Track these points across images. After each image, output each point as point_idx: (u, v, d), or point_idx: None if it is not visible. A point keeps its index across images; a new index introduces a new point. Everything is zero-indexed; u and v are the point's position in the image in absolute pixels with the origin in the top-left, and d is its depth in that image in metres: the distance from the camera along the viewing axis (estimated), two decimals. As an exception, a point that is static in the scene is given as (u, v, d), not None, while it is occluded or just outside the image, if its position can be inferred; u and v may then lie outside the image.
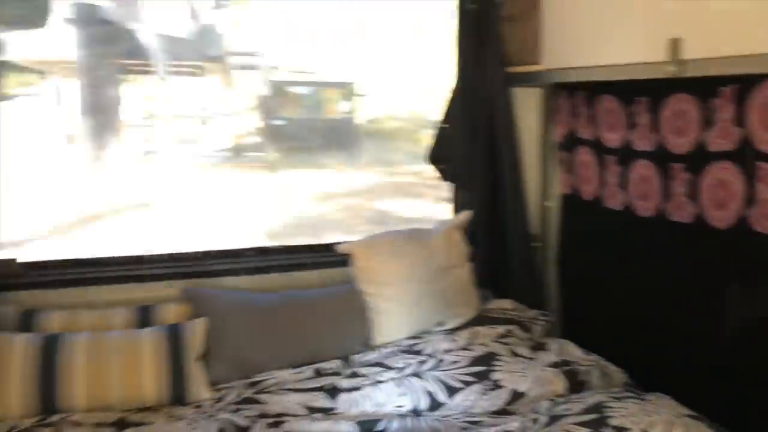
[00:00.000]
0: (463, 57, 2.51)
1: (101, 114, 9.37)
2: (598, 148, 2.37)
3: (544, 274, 2.67)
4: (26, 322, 2.11)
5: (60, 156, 9.51)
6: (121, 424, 1.91)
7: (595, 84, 2.31)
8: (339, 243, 2.44)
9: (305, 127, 11.94)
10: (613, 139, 2.30)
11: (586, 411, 1.67)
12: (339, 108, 12.71)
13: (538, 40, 2.44)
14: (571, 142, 2.52)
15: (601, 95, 2.32)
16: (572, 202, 2.55)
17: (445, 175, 2.59)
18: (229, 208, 8.25)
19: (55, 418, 1.91)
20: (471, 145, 2.51)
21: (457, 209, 2.65)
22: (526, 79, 2.52)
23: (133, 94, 11.33)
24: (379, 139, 12.86)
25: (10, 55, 8.42)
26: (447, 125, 2.53)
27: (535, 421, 1.74)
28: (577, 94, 2.44)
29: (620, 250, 2.30)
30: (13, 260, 2.27)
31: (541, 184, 2.67)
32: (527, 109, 2.62)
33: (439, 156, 2.56)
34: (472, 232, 2.55)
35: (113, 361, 2.00)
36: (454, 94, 2.52)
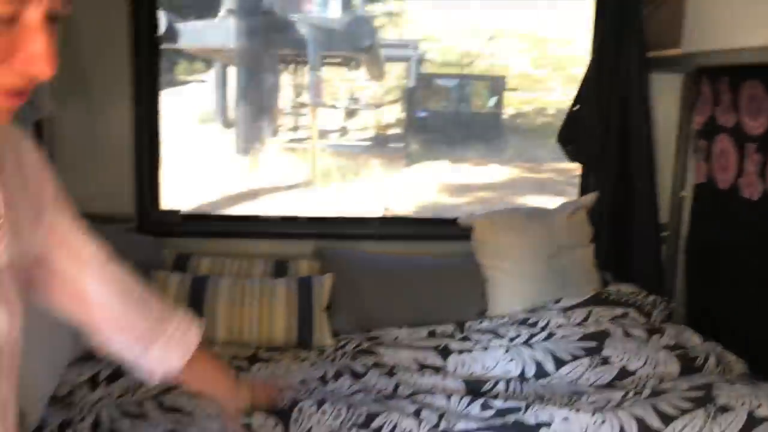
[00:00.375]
0: (600, 37, 2.50)
1: (259, 101, 10.07)
2: (739, 135, 2.28)
3: (671, 264, 2.60)
4: (181, 263, 2.42)
5: (220, 139, 10.35)
6: (253, 358, 2.14)
7: (739, 68, 2.22)
8: (461, 217, 2.54)
9: (449, 120, 12.06)
10: (755, 126, 2.20)
11: (693, 388, 1.65)
12: (485, 102, 12.70)
13: (680, 21, 2.38)
14: (710, 130, 2.44)
15: (745, 80, 2.23)
16: (706, 191, 2.47)
17: (573, 156, 2.60)
18: (367, 193, 8.59)
19: (199, 346, 2.18)
20: (602, 126, 2.50)
21: (584, 191, 2.65)
22: (666, 64, 2.47)
23: (287, 82, 12.04)
24: (525, 135, 12.70)
25: (182, 44, 9.29)
26: (579, 105, 2.54)
27: (638, 393, 1.75)
28: (719, 79, 2.36)
29: (754, 241, 2.20)
30: (177, 211, 2.59)
31: (676, 174, 2.61)
32: (666, 95, 2.57)
33: (568, 136, 2.58)
34: (598, 214, 2.54)
35: (251, 304, 2.24)
36: (587, 74, 2.53)
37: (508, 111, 13.04)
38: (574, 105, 2.56)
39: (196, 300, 2.23)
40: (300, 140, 11.16)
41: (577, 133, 2.54)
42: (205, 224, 2.68)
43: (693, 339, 2.11)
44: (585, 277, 2.44)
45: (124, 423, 1.72)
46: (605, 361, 2.00)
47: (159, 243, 2.44)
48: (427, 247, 2.61)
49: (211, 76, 11.60)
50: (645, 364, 1.97)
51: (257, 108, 10.09)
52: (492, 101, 12.68)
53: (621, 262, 2.56)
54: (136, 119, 2.43)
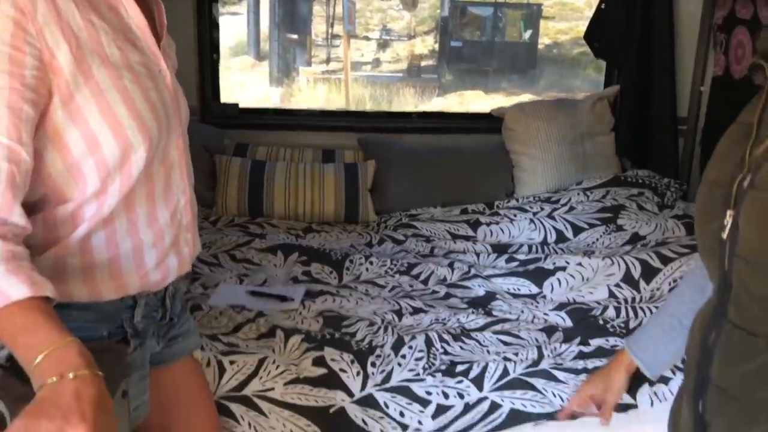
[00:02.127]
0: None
1: (293, 31, 10.15)
2: (755, 26, 2.43)
3: (687, 157, 2.79)
4: (240, 150, 2.70)
5: (253, 71, 10.50)
6: (307, 230, 2.44)
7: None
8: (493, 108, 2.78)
9: (483, 50, 12.00)
10: (769, 16, 2.36)
11: (693, 240, 1.89)
12: (520, 31, 12.56)
13: None
14: (729, 24, 2.59)
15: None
16: (723, 83, 2.64)
17: (598, 53, 2.78)
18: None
19: (259, 219, 2.49)
20: (626, 22, 2.67)
21: (607, 86, 2.85)
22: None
23: (320, 13, 12.05)
24: (560, 65, 12.60)
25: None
26: (605, 3, 2.70)
27: (644, 245, 2.00)
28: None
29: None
30: (236, 105, 2.87)
31: (696, 69, 2.77)
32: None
33: (594, 34, 2.76)
34: (620, 106, 2.74)
35: (303, 185, 2.53)
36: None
37: (543, 41, 12.87)
38: (601, 3, 2.73)
39: (255, 181, 2.52)
40: (333, 71, 11.27)
41: (603, 30, 2.72)
42: (260, 117, 2.97)
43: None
44: (605, 163, 2.67)
45: (204, 269, 2.04)
46: (619, 228, 2.25)
47: (220, 132, 2.73)
48: (461, 139, 2.85)
49: (244, 7, 11.68)
50: (654, 230, 2.21)
51: (290, 39, 10.19)
52: (527, 34, 12.53)
53: (640, 153, 2.77)
54: (199, 18, 2.69)
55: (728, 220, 0.84)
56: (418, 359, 1.53)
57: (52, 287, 0.84)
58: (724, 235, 0.84)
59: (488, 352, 1.58)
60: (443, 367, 1.52)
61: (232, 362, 1.47)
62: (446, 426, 1.44)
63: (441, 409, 1.45)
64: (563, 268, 1.94)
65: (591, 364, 1.53)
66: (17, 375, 0.86)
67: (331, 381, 1.47)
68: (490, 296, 1.90)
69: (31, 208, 0.93)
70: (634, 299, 1.79)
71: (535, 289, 1.92)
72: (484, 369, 1.50)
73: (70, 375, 0.76)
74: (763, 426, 0.82)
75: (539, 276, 1.94)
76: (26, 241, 0.89)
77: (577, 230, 2.27)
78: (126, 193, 0.97)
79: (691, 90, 2.78)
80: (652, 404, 1.44)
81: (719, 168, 0.91)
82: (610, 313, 1.75)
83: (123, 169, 0.95)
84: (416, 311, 1.78)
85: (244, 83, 9.82)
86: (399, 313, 1.77)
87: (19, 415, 0.74)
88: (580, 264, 1.94)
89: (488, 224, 2.40)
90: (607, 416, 1.41)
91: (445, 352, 1.57)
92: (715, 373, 0.86)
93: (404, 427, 1.44)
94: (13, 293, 0.80)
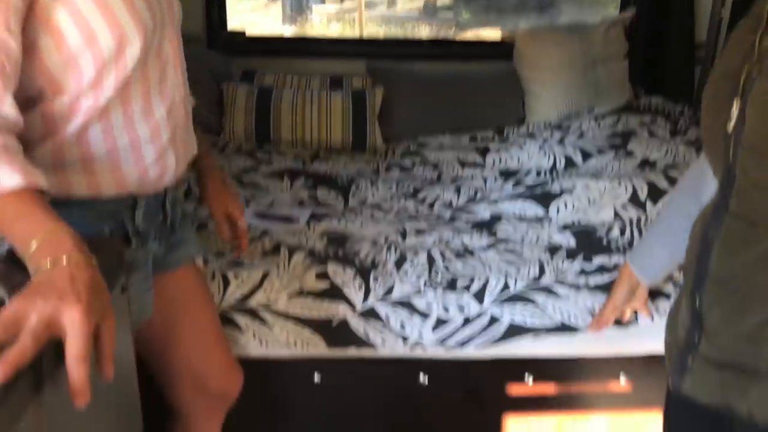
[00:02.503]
0: None
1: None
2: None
3: (703, 84, 2.73)
4: (247, 77, 2.68)
5: (267, 9, 10.30)
6: (314, 156, 2.43)
7: None
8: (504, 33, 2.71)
9: (500, -14, 11.69)
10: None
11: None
12: (538, -33, 12.18)
13: None
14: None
15: None
16: (744, 8, 2.55)
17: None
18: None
19: (267, 146, 2.49)
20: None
21: (623, 9, 2.77)
22: None
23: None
24: (580, 4, 12.27)
25: None
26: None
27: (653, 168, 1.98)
28: None
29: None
30: (242, 32, 2.83)
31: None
32: None
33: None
34: (635, 30, 2.67)
35: (311, 111, 2.51)
36: None
37: (563, -23, 12.49)
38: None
39: (262, 107, 2.51)
40: (348, 10, 11.04)
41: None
42: (267, 44, 2.93)
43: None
44: (618, 89, 2.62)
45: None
46: (629, 153, 2.22)
47: (228, 59, 2.70)
48: (472, 67, 2.79)
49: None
50: (665, 155, 2.18)
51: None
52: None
53: (654, 80, 2.71)
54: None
55: (735, 111, 0.83)
56: (420, 275, 1.55)
57: (45, 180, 0.85)
58: (730, 127, 0.83)
59: (490, 269, 1.59)
60: (444, 283, 1.53)
61: (236, 276, 1.50)
62: (446, 338, 1.47)
63: (441, 322, 1.47)
64: (570, 191, 1.93)
65: (593, 280, 1.54)
66: (17, 265, 0.88)
67: (334, 294, 1.49)
68: (496, 219, 1.89)
69: (28, 102, 0.93)
70: (639, 220, 1.77)
71: (541, 212, 1.91)
72: (485, 284, 1.52)
73: (64, 260, 0.77)
74: (758, 315, 0.82)
75: (545, 199, 1.93)
76: (24, 136, 0.90)
77: (586, 156, 2.25)
78: (121, 86, 0.97)
79: (711, 14, 2.69)
80: (652, 319, 1.45)
81: (727, 61, 0.89)
82: (615, 233, 1.74)
83: (119, 62, 0.95)
84: (420, 232, 1.79)
85: (256, 22, 9.67)
86: (403, 234, 1.77)
87: (16, 296, 0.75)
88: (587, 186, 1.92)
89: (497, 150, 2.37)
90: (594, 327, 1.43)
91: (447, 269, 1.58)
92: (714, 265, 0.86)
93: (405, 339, 1.46)
94: (6, 182, 0.81)
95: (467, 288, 1.51)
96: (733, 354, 0.85)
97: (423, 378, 1.52)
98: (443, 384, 1.53)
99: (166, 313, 1.22)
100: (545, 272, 1.57)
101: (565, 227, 1.81)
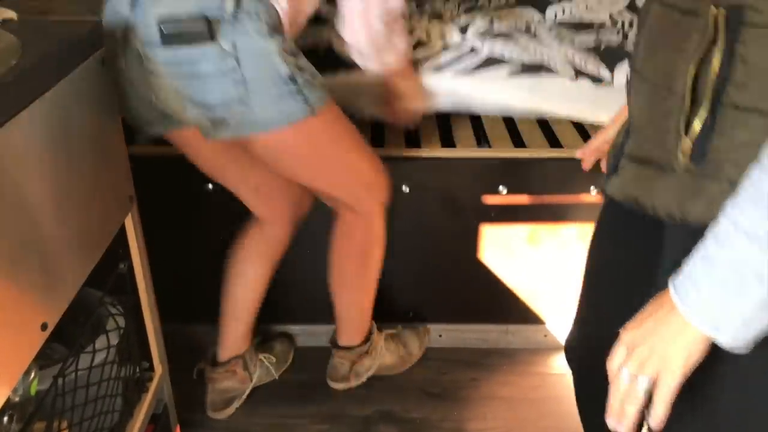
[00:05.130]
0: None
1: None
2: None
3: None
4: None
5: None
6: None
7: None
8: None
9: None
10: None
11: None
12: None
13: None
14: None
15: None
16: None
17: None
18: None
19: None
20: None
21: None
22: None
23: None
24: None
25: None
26: None
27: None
28: None
29: None
30: None
31: None
32: None
33: None
34: None
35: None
36: None
37: None
38: None
39: None
40: None
41: None
42: None
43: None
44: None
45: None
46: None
47: None
48: None
49: None
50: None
51: None
52: None
53: None
54: None
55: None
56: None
57: None
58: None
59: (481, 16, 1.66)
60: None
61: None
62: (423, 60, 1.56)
63: (420, 44, 1.58)
64: None
65: (578, 39, 1.62)
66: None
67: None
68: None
69: None
70: (632, 23, 1.75)
71: (537, 17, 1.87)
72: (471, 22, 1.60)
73: None
74: (667, 103, 0.76)
75: (542, 4, 1.89)
76: None
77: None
78: None
79: None
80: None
81: None
82: (607, 33, 1.74)
83: None
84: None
85: None
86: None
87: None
88: None
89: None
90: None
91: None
92: (640, 58, 0.83)
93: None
94: None
95: (452, 20, 1.59)
96: (649, 148, 0.81)
97: (405, 188, 1.61)
98: (423, 194, 1.63)
99: None
100: (531, 26, 1.63)
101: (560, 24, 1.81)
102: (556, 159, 1.58)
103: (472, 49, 1.57)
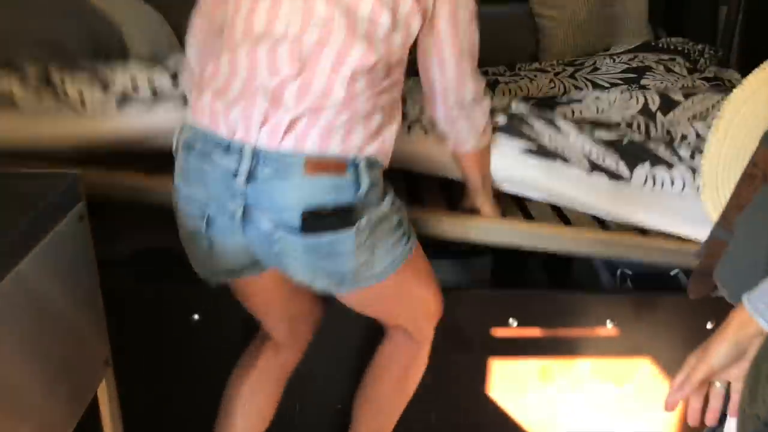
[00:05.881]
0: None
1: None
2: None
3: (729, 26, 2.56)
4: None
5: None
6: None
7: None
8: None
9: None
10: None
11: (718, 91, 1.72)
12: None
13: None
14: None
15: None
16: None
17: None
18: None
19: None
20: None
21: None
22: None
23: None
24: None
25: None
26: None
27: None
28: None
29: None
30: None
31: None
32: None
33: None
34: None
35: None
36: None
37: None
38: None
39: None
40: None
41: None
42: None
43: (734, 75, 2.17)
44: (636, 29, 2.48)
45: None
46: (642, 87, 2.09)
47: None
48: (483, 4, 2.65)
49: None
50: (680, 89, 2.05)
51: None
52: None
53: (675, 21, 2.57)
54: None
55: None
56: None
57: None
58: None
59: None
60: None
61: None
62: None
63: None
64: (578, 101, 1.82)
65: (597, 132, 1.55)
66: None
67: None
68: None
69: None
70: (648, 125, 1.69)
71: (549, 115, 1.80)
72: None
73: None
74: None
75: (552, 106, 1.81)
76: None
77: (597, 89, 2.14)
78: None
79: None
80: (645, 183, 1.43)
81: None
82: (627, 131, 1.66)
83: None
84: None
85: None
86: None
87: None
88: (597, 98, 1.82)
89: (506, 83, 2.28)
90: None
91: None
92: None
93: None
94: None
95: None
96: None
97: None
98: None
99: None
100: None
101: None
102: (568, 292, 1.48)
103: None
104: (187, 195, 1.11)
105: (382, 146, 1.12)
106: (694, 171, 1.46)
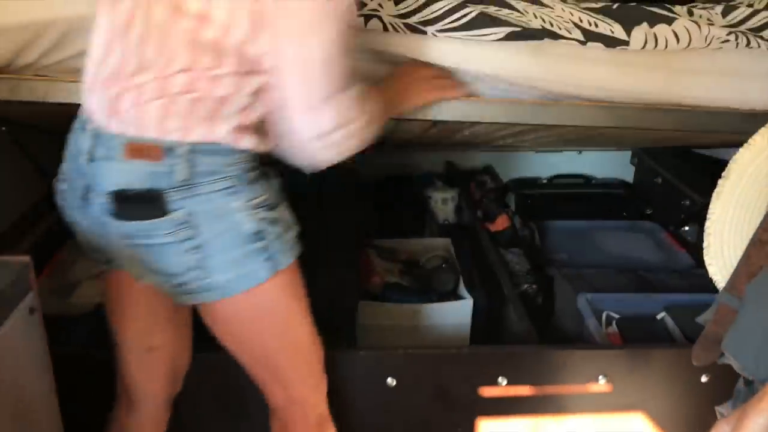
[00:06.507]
0: None
1: None
2: None
3: None
4: None
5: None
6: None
7: None
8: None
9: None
10: None
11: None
12: None
13: None
14: None
15: None
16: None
17: None
18: None
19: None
20: None
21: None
22: None
23: None
24: None
25: None
26: None
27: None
28: None
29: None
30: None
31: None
32: None
33: None
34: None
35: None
36: None
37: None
38: None
39: None
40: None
41: None
42: None
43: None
44: None
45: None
46: None
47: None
48: None
49: None
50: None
51: None
52: None
53: None
54: None
55: None
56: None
57: None
58: None
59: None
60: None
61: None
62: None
63: None
64: None
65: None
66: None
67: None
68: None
69: None
70: None
71: None
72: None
73: None
74: None
75: None
76: None
77: None
78: None
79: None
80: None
81: None
82: None
83: None
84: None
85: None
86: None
87: None
88: None
89: None
90: None
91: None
92: None
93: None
94: None
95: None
96: None
97: (390, 381, 1.41)
98: (412, 387, 1.43)
99: None
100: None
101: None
102: (559, 348, 1.42)
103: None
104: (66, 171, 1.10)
105: (231, 133, 1.00)
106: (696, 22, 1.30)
